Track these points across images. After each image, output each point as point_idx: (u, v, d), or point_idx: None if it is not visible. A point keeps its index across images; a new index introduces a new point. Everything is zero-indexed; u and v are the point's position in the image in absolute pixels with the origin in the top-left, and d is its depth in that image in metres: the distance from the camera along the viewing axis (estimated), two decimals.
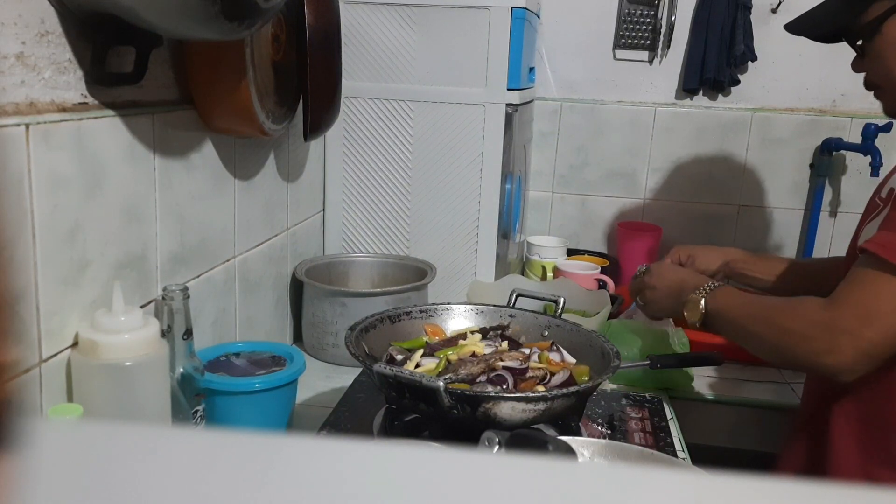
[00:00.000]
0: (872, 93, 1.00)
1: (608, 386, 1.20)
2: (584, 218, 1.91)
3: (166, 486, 0.25)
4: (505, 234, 1.51)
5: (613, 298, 1.42)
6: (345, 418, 1.02)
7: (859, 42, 0.97)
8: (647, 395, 1.17)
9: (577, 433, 0.94)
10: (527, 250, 1.74)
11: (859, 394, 0.95)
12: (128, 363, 0.76)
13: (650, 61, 1.82)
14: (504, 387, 0.90)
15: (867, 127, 1.69)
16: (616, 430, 1.04)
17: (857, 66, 1.00)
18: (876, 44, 0.94)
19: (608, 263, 1.74)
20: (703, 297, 1.01)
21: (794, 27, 1.05)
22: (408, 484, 0.26)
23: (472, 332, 1.05)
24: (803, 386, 1.12)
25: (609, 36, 1.83)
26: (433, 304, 1.11)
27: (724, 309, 0.99)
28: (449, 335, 1.06)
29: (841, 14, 0.98)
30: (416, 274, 1.40)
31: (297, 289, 1.37)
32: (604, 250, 1.90)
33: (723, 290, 1.02)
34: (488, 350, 0.99)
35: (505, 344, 1.02)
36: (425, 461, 0.28)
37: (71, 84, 0.76)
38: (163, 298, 0.87)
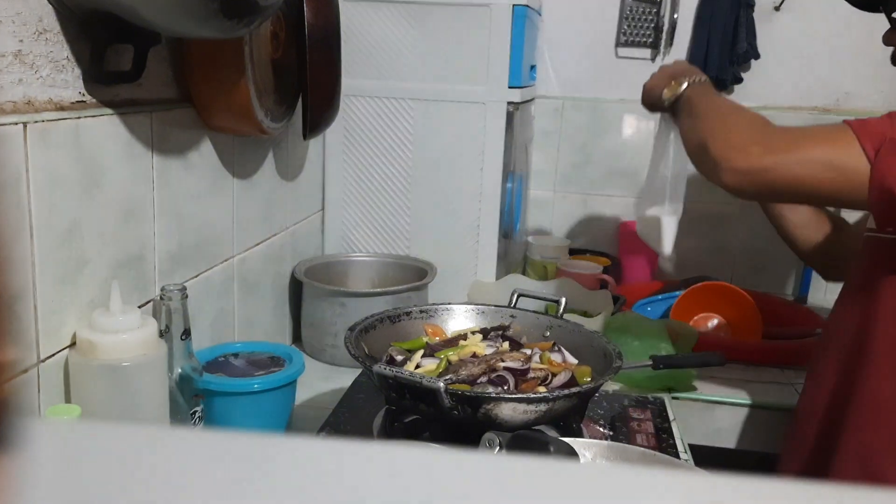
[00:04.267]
0: None
1: (610, 387, 1.19)
2: (586, 217, 1.90)
3: (165, 486, 0.25)
4: (506, 233, 1.51)
5: (615, 298, 1.41)
6: (344, 419, 1.02)
7: (895, 14, 0.97)
8: (649, 396, 1.16)
9: (579, 434, 0.93)
10: (528, 250, 1.74)
11: (853, 386, 0.95)
12: (126, 363, 0.75)
13: (653, 59, 1.82)
14: (505, 388, 0.90)
15: None
16: (618, 432, 1.03)
17: (888, 39, 1.00)
18: None
19: (610, 263, 1.73)
20: (687, 81, 1.09)
21: None
22: (408, 485, 0.26)
23: (473, 333, 1.04)
24: (803, 385, 1.11)
25: (611, 34, 1.82)
26: (433, 304, 1.10)
27: (696, 98, 1.06)
28: (449, 335, 1.05)
29: None
30: (417, 274, 1.39)
31: (296, 289, 1.36)
32: (606, 250, 1.89)
33: (706, 86, 1.09)
34: (489, 350, 0.99)
35: (506, 344, 1.02)
36: (426, 462, 0.28)
37: (69, 82, 0.75)
38: (161, 298, 0.87)
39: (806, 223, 1.28)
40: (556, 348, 1.01)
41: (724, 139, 0.94)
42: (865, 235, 1.00)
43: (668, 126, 1.20)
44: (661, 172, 1.23)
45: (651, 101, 1.18)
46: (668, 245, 1.23)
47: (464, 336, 1.03)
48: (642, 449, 0.80)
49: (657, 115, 1.20)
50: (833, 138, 0.90)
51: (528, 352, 0.99)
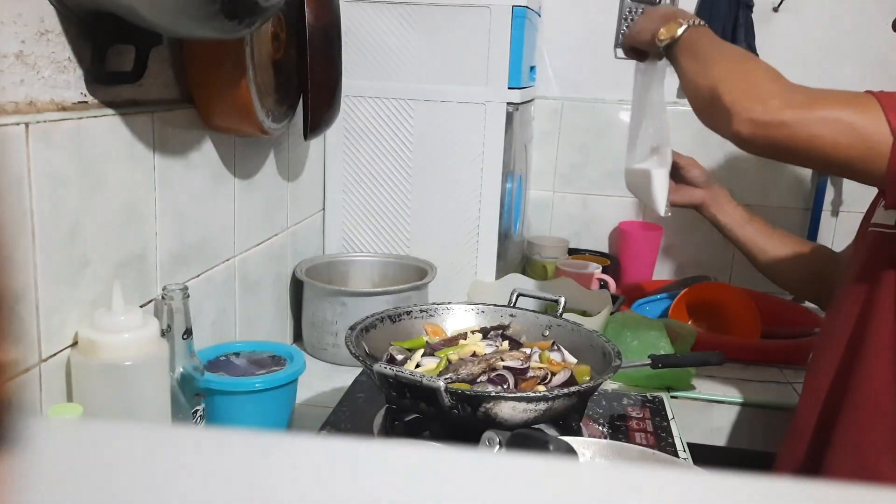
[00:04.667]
0: None
1: (609, 386, 1.19)
2: (585, 217, 1.91)
3: (166, 485, 0.25)
4: (506, 233, 1.51)
5: (614, 298, 1.41)
6: (345, 418, 1.02)
7: None
8: (648, 394, 1.16)
9: (578, 433, 0.94)
10: (527, 250, 1.74)
11: (854, 387, 0.95)
12: (127, 363, 0.76)
13: None
14: (505, 386, 0.90)
15: None
16: (617, 430, 1.04)
17: None
18: None
19: (609, 263, 1.74)
20: (687, 23, 1.02)
21: None
22: (408, 483, 0.26)
23: (473, 332, 1.04)
24: (802, 384, 1.12)
25: (610, 34, 1.81)
26: (434, 303, 1.11)
27: (700, 41, 1.00)
28: (449, 335, 1.05)
29: None
30: (417, 273, 1.39)
31: (297, 288, 1.37)
32: (605, 250, 1.90)
33: (707, 29, 1.03)
34: (489, 350, 0.99)
35: (505, 343, 1.02)
36: (426, 461, 0.28)
37: (70, 83, 0.76)
38: (162, 298, 0.87)
39: (784, 254, 1.27)
40: (556, 347, 1.01)
41: (741, 87, 0.89)
42: (869, 230, 0.99)
43: (647, 76, 1.14)
44: (645, 126, 1.19)
45: (638, 43, 1.11)
46: (661, 199, 1.19)
47: (464, 335, 1.03)
48: (641, 447, 0.80)
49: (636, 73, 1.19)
50: (857, 103, 0.86)
51: (528, 351, 1.00)
